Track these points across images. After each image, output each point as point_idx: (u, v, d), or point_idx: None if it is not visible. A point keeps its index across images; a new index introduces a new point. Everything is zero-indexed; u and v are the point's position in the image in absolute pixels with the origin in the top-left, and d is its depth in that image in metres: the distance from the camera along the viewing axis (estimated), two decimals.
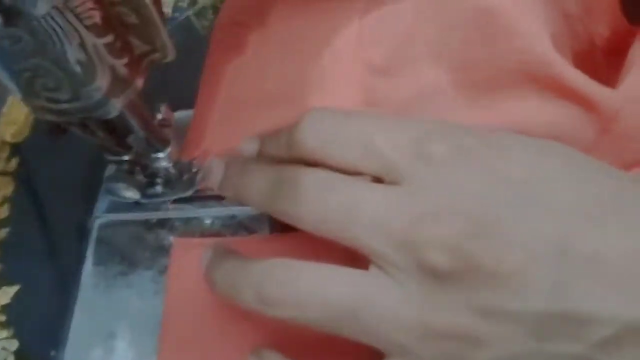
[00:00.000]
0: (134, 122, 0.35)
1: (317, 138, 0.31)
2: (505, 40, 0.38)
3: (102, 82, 0.31)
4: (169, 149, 0.38)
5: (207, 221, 0.41)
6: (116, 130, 0.37)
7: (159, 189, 0.40)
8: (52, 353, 0.37)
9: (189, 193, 0.40)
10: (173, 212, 0.41)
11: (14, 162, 0.44)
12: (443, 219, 0.27)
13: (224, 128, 0.43)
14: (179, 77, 0.44)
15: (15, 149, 0.45)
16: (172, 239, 0.39)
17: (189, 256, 0.38)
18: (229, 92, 0.44)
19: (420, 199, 0.28)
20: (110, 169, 0.40)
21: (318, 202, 0.30)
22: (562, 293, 0.25)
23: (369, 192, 0.29)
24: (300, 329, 0.31)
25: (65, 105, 0.32)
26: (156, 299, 0.38)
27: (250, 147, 0.36)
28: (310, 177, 0.31)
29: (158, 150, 0.38)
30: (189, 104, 0.44)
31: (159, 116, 0.39)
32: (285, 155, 0.33)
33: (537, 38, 0.37)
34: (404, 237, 0.27)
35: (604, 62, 0.41)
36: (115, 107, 0.33)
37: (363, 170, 0.30)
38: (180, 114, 0.43)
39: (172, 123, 0.39)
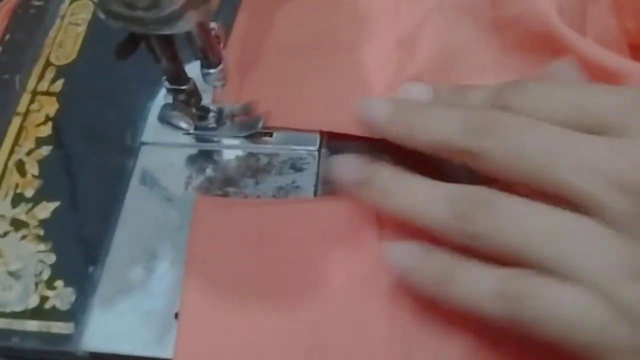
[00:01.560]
0: (199, 41, 0.35)
1: (526, 99, 0.30)
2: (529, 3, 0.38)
3: None
4: (221, 66, 0.38)
5: (253, 157, 0.40)
6: (178, 57, 0.37)
7: (211, 122, 0.40)
8: (90, 269, 0.37)
9: (243, 134, 0.40)
10: (218, 145, 0.41)
11: (59, 84, 0.44)
12: None
13: (267, 71, 0.43)
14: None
15: (61, 71, 0.44)
16: (198, 196, 0.38)
17: (212, 216, 0.37)
18: (265, 37, 0.44)
19: None
20: (166, 98, 0.40)
21: (525, 139, 0.29)
22: None
23: (583, 137, 0.28)
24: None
25: (140, 13, 0.32)
26: None
27: (424, 93, 0.35)
28: (514, 119, 0.29)
29: (210, 67, 0.38)
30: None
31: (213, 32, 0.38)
32: None
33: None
34: (628, 181, 0.26)
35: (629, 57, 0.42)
36: (190, 21, 0.33)
37: (577, 127, 0.28)
38: None
39: (223, 41, 0.38)
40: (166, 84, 0.39)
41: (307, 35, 0.44)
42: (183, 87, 0.39)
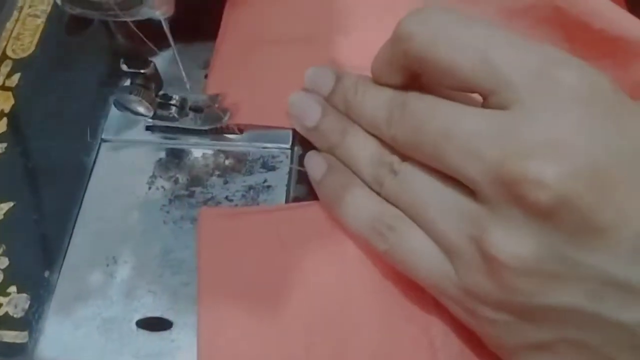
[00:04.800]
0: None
1: (429, 33, 0.28)
2: None
3: None
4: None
5: (222, 155, 0.38)
6: (136, 34, 0.34)
7: (172, 112, 0.38)
8: (46, 274, 0.35)
9: (205, 127, 0.38)
10: (184, 142, 0.39)
11: (15, 78, 0.41)
12: (560, 154, 0.24)
13: (247, 65, 0.41)
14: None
15: (18, 64, 0.42)
16: (202, 209, 0.36)
17: (219, 227, 0.35)
18: (252, 29, 0.42)
19: (533, 127, 0.25)
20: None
21: (417, 127, 0.29)
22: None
23: (470, 114, 0.27)
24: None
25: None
26: (164, 227, 0.36)
27: (328, 78, 0.35)
28: (415, 103, 0.30)
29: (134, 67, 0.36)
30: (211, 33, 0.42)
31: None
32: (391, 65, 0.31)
33: None
34: (499, 169, 0.25)
35: None
36: (154, 7, 0.31)
37: (472, 81, 0.27)
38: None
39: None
40: (124, 66, 0.36)
41: (285, 29, 0.43)
42: (142, 71, 0.36)
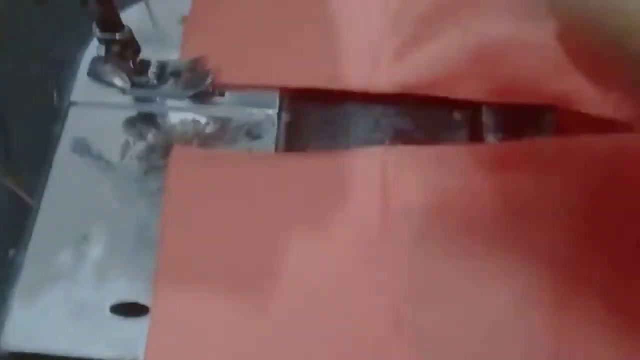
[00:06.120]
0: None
1: None
2: None
3: None
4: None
5: (202, 121, 0.35)
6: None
7: (151, 80, 0.34)
8: (11, 253, 0.32)
9: (187, 94, 0.35)
10: (161, 107, 0.35)
11: None
12: None
13: (228, 18, 0.37)
14: None
15: None
16: (174, 147, 0.33)
17: (189, 168, 0.33)
18: None
19: None
20: (98, 50, 0.34)
21: None
22: None
23: None
24: None
25: None
26: (139, 201, 0.33)
27: None
28: None
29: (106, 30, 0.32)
30: None
31: None
32: None
33: None
34: None
35: None
36: None
37: None
38: None
39: None
40: (97, 32, 0.32)
41: None
42: (117, 37, 0.32)
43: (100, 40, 0.33)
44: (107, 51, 0.33)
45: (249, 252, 0.31)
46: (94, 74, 0.33)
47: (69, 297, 0.31)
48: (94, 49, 0.36)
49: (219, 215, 0.32)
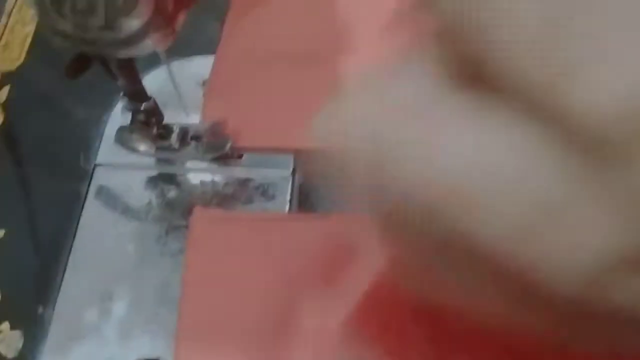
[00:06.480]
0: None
1: None
2: None
3: (142, 11, 0.27)
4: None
5: (221, 182, 0.37)
6: (136, 74, 0.33)
7: (173, 144, 0.36)
8: (40, 310, 0.33)
9: (208, 157, 0.37)
10: (182, 168, 0.37)
11: (4, 92, 0.40)
12: None
13: (245, 85, 0.39)
14: (201, 23, 0.40)
15: (7, 77, 0.40)
16: (195, 208, 0.35)
17: (209, 228, 0.34)
18: (251, 48, 0.41)
19: None
20: (123, 112, 0.36)
21: None
22: None
23: None
24: None
25: (93, 34, 0.28)
26: (163, 261, 0.35)
27: None
28: None
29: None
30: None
31: None
32: None
33: None
34: None
35: None
36: (149, 45, 0.29)
37: None
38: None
39: None
40: (125, 102, 0.34)
41: (284, 46, 0.41)
42: (142, 107, 0.35)
43: (127, 109, 0.35)
44: (133, 119, 0.35)
45: (266, 311, 0.33)
46: (121, 141, 0.36)
47: (95, 354, 0.32)
48: (118, 110, 0.38)
49: (237, 275, 0.33)
